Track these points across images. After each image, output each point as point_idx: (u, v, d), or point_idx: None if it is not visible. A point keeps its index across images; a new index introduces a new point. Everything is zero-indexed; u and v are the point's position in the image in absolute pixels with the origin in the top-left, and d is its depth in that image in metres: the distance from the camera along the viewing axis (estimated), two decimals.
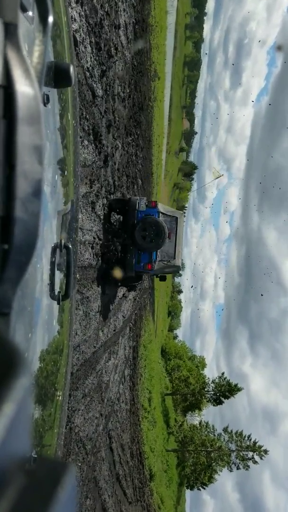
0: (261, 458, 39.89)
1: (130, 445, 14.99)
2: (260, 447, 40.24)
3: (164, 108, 51.00)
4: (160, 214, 8.43)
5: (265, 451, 39.95)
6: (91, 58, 6.19)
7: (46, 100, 1.33)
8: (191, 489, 48.22)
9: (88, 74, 6.04)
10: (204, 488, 46.69)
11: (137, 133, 13.35)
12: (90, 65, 6.15)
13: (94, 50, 6.37)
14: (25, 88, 0.72)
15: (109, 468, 10.35)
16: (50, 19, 1.17)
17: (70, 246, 1.69)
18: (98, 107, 6.73)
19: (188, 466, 41.38)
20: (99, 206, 7.35)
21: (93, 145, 6.61)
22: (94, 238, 7.03)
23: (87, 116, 6.13)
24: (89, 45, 6.04)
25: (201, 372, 58.04)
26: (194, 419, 52.23)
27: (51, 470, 0.40)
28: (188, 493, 57.36)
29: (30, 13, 1.04)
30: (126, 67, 10.47)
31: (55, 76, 1.41)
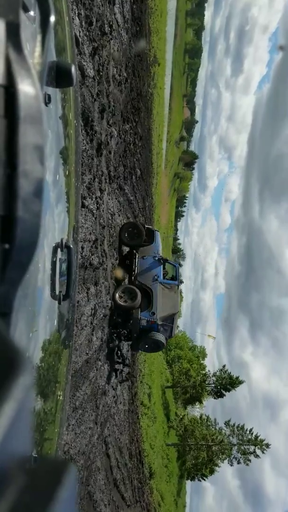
0: (262, 452, 39.57)
1: (129, 446, 14.51)
2: (261, 441, 39.94)
3: (164, 96, 50.01)
4: (159, 326, 10.09)
5: (267, 445, 39.64)
6: (79, 32, 5.46)
7: (47, 99, 1.34)
8: (192, 480, 48.11)
9: (76, 50, 5.32)
10: (204, 480, 46.54)
11: (135, 120, 12.57)
12: (79, 40, 5.43)
13: (83, 23, 5.64)
14: (26, 88, 0.72)
15: (106, 476, 9.82)
16: (52, 18, 1.19)
17: (71, 246, 1.69)
18: (89, 89, 6.01)
19: (188, 461, 41.04)
20: (92, 201, 6.65)
21: (83, 131, 5.91)
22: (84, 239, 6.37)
23: None
24: (77, 17, 5.32)
25: (202, 362, 57.81)
26: (195, 411, 51.98)
27: (52, 470, 0.40)
28: (188, 482, 57.30)
29: (32, 13, 1.07)
30: (122, 48, 9.71)
31: (56, 76, 1.41)
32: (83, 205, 6.08)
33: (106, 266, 8.31)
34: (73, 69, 1.44)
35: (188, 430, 40.32)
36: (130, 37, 11.31)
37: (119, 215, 9.84)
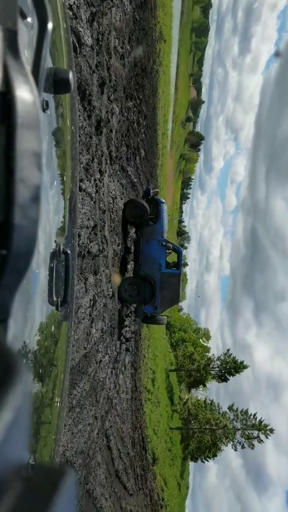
0: (266, 437, 39.55)
1: (132, 434, 14.27)
2: (265, 426, 39.90)
3: (170, 75, 48.81)
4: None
5: (271, 430, 39.62)
6: None
7: (45, 106, 1.37)
8: (195, 461, 48.39)
9: (71, 13, 4.73)
10: (208, 461, 46.75)
11: (139, 98, 11.91)
12: (74, 2, 4.82)
13: None
14: (24, 94, 0.72)
15: (107, 469, 9.51)
16: (49, 25, 1.18)
17: (69, 252, 1.71)
18: (86, 59, 5.42)
19: (192, 445, 41.12)
20: (90, 183, 6.11)
21: (80, 106, 5.34)
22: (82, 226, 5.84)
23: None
24: None
25: (206, 344, 57.75)
26: (198, 393, 52.04)
27: (49, 477, 0.40)
28: (191, 463, 57.75)
29: (30, 20, 1.13)
30: (126, 18, 9.05)
31: (54, 82, 1.44)
32: (80, 189, 5.54)
33: (107, 253, 7.81)
34: (70, 75, 1.46)
35: (191, 414, 40.34)
36: (134, 8, 10.61)
37: (122, 199, 9.29)
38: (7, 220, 0.70)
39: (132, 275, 10.40)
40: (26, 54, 1.02)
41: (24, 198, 0.71)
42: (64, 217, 1.84)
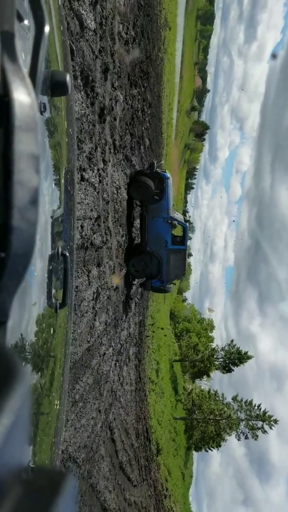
0: (270, 428, 39.58)
1: (136, 425, 14.24)
2: (270, 416, 39.92)
3: (175, 63, 48.21)
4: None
5: (275, 421, 39.63)
6: None
7: (42, 108, 1.35)
8: (199, 451, 48.60)
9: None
10: (211, 450, 46.94)
11: (144, 86, 11.65)
12: None
13: None
14: (21, 97, 0.72)
15: (111, 462, 9.45)
16: (46, 28, 1.18)
17: (67, 254, 1.71)
18: (89, 43, 5.22)
19: (196, 435, 41.23)
20: (94, 173, 5.94)
21: (82, 92, 5.15)
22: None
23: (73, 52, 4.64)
24: None
25: (210, 334, 57.74)
26: (202, 383, 52.13)
27: (49, 480, 0.40)
28: (195, 453, 58.08)
29: (27, 22, 1.07)
30: (130, 3, 8.80)
31: (51, 84, 1.42)
32: (82, 178, 5.37)
33: (111, 244, 7.66)
34: (68, 78, 1.46)
35: (196, 404, 40.41)
36: None
37: (126, 189, 9.11)
38: (5, 222, 0.70)
39: (139, 251, 10.50)
40: (23, 57, 1.04)
41: (22, 200, 0.71)
42: (62, 219, 1.84)
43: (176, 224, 10.42)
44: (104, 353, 7.61)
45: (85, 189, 5.55)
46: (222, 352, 45.35)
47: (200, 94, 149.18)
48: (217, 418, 40.18)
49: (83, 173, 5.38)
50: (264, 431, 39.77)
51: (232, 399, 43.22)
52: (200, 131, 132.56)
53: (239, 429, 40.79)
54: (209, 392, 45.26)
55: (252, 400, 41.79)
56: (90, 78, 5.34)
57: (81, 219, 5.38)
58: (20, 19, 0.98)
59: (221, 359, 45.21)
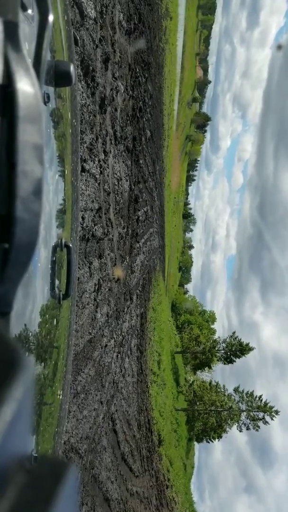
0: (272, 419, 39.80)
1: (137, 416, 14.30)
2: (271, 408, 40.12)
3: (177, 54, 47.86)
4: None
5: (276, 412, 39.82)
6: None
7: (46, 99, 1.35)
8: (200, 442, 48.92)
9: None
10: (212, 441, 47.24)
11: (145, 76, 11.57)
12: None
13: None
14: (25, 87, 0.72)
15: (113, 452, 9.50)
16: (50, 17, 1.17)
17: (71, 245, 1.71)
18: (89, 32, 5.16)
19: (197, 426, 41.45)
20: (94, 164, 5.90)
21: (83, 82, 5.10)
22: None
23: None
24: None
25: (212, 327, 57.92)
26: (204, 375, 52.35)
27: (52, 469, 0.40)
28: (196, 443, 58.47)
29: (30, 12, 1.06)
30: None
31: (55, 75, 1.42)
32: (83, 169, 5.34)
33: (112, 236, 7.63)
34: (71, 68, 1.45)
35: (197, 396, 40.59)
36: None
37: (127, 180, 9.07)
38: (9, 213, 0.70)
39: None
40: (27, 47, 1.03)
41: (26, 191, 0.70)
42: (65, 210, 1.85)
43: None
44: (106, 345, 7.62)
45: (86, 180, 5.52)
46: (223, 344, 45.50)
47: (201, 85, 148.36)
48: (218, 409, 40.39)
49: (84, 164, 5.35)
50: (266, 422, 40.01)
51: (233, 390, 43.45)
52: (201, 122, 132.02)
53: (241, 420, 41.04)
54: (210, 383, 45.47)
55: (253, 391, 42.00)
56: (91, 67, 5.28)
57: (82, 210, 5.36)
58: (24, 8, 0.97)
59: (223, 351, 45.37)
